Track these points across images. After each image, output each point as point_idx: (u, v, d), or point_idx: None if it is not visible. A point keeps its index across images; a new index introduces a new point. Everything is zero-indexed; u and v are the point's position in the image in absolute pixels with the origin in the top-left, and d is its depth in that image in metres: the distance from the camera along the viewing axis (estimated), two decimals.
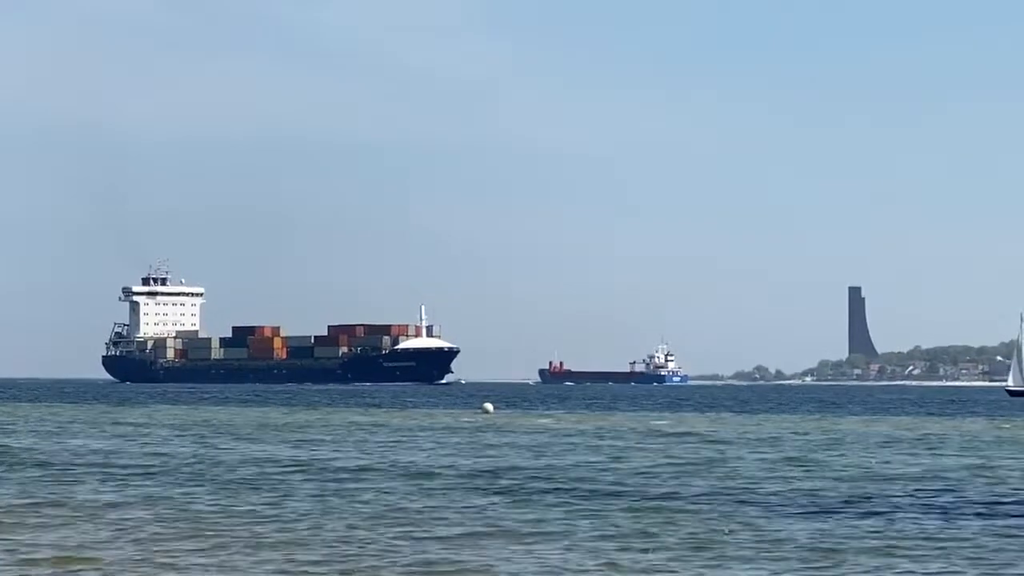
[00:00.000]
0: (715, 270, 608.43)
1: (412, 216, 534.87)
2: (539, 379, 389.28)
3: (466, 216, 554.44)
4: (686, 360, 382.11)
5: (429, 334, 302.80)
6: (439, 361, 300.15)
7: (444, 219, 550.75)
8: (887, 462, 55.02)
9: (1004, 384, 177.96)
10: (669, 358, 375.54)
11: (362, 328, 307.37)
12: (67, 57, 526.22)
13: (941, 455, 60.19)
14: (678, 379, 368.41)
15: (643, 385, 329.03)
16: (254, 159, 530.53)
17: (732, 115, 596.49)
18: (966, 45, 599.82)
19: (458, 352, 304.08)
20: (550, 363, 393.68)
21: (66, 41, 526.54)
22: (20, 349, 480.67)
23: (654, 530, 31.79)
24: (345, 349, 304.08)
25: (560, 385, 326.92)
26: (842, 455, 59.21)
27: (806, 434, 78.77)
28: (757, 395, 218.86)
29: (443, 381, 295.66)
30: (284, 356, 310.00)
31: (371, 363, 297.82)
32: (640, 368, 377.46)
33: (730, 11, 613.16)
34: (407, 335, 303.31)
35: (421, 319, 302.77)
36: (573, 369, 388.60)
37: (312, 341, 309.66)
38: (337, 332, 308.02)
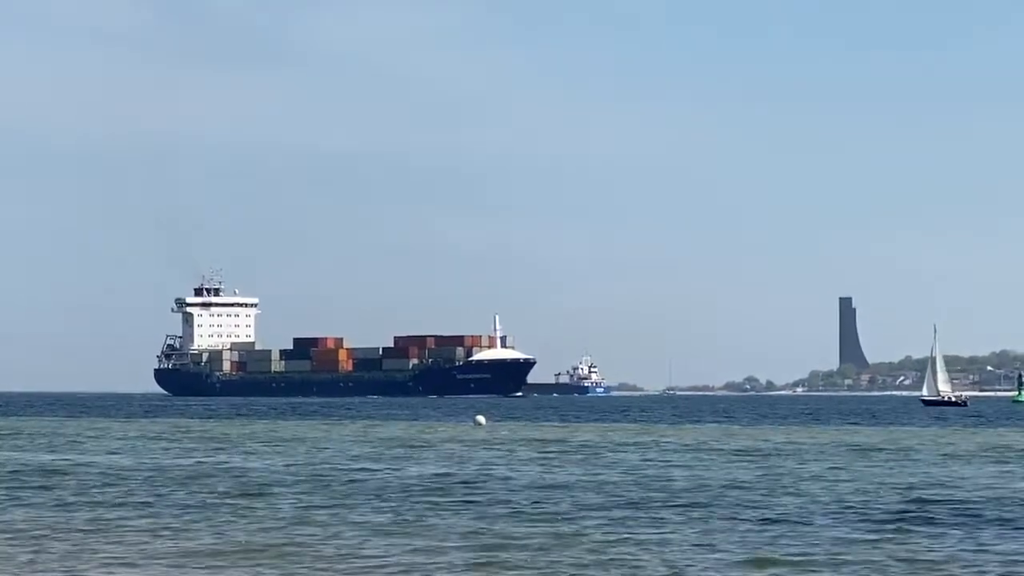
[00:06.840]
0: (706, 282, 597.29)
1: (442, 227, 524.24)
2: None
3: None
4: (676, 372, 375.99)
5: (503, 345, 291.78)
6: (515, 372, 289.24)
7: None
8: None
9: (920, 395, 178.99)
10: (592, 370, 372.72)
11: (433, 339, 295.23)
12: (114, 73, 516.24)
13: None
14: (601, 390, 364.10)
15: (565, 396, 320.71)
16: (305, 170, 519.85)
17: (725, 125, 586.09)
18: (963, 53, 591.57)
19: (534, 363, 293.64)
20: None
21: (102, 58, 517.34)
22: (70, 362, 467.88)
23: None
24: (416, 361, 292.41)
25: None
26: None
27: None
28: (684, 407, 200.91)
29: (519, 394, 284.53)
30: (350, 368, 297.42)
31: (444, 375, 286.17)
32: (564, 379, 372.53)
33: (727, 18, 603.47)
34: (480, 346, 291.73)
35: (495, 329, 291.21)
36: None
37: (380, 353, 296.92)
38: (407, 343, 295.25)
